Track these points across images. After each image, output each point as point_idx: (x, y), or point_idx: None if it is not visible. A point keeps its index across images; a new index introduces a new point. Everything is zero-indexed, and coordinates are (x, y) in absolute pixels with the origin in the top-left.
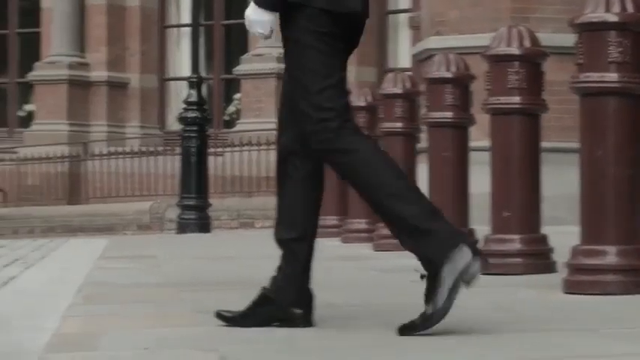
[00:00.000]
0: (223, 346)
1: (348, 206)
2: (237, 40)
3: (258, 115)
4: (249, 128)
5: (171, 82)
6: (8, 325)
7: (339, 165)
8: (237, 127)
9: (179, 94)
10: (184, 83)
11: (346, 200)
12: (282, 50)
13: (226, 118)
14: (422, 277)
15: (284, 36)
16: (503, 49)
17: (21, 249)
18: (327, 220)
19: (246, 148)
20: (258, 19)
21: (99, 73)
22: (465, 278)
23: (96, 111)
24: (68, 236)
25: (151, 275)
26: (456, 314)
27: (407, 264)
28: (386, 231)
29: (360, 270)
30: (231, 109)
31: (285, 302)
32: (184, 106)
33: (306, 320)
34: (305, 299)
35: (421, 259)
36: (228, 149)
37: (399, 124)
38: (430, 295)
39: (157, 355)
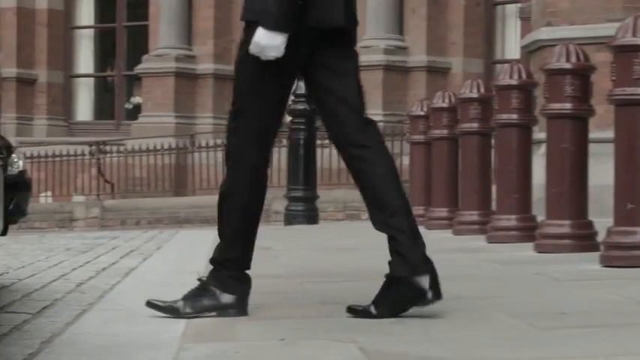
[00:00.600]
0: (359, 337)
1: (458, 198)
2: None
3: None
4: None
5: None
6: (142, 316)
7: None
8: None
9: None
10: None
11: (456, 192)
12: (389, 42)
13: None
14: (199, 279)
15: None
16: (629, 40)
17: (133, 240)
18: (438, 211)
19: None
20: (271, 43)
21: (205, 66)
22: (219, 313)
23: (202, 103)
24: (175, 228)
25: (270, 266)
26: (599, 306)
27: (525, 256)
28: (500, 223)
29: (480, 262)
30: None
31: (409, 274)
32: (293, 98)
33: (435, 293)
34: (426, 266)
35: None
36: None
37: (514, 116)
38: (190, 296)
39: (295, 346)
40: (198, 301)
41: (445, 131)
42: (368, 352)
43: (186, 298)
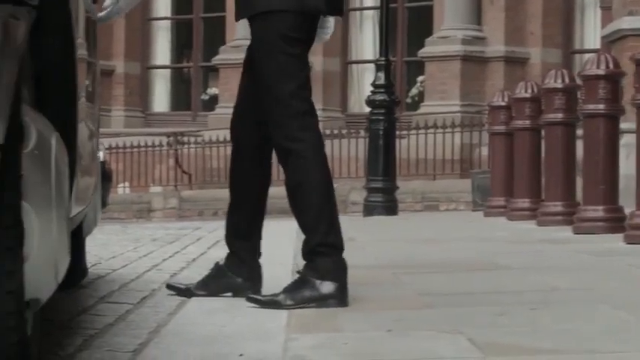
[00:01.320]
0: (465, 328)
1: (541, 189)
2: (420, 23)
3: (442, 97)
4: (434, 111)
5: (354, 65)
6: (241, 307)
7: None
8: (422, 110)
9: (361, 78)
10: (366, 66)
11: (539, 183)
12: (467, 32)
13: (408, 100)
14: (298, 271)
15: None
16: None
17: (216, 231)
18: (520, 202)
19: (431, 130)
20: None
21: None
22: (319, 304)
23: None
24: None
25: (359, 257)
26: None
27: (614, 247)
28: (586, 214)
29: (570, 253)
30: (414, 91)
31: None
32: (372, 89)
33: None
34: None
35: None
36: (413, 131)
37: (601, 106)
38: (290, 289)
39: (404, 338)
40: (299, 293)
41: (528, 122)
42: (478, 343)
43: (287, 290)
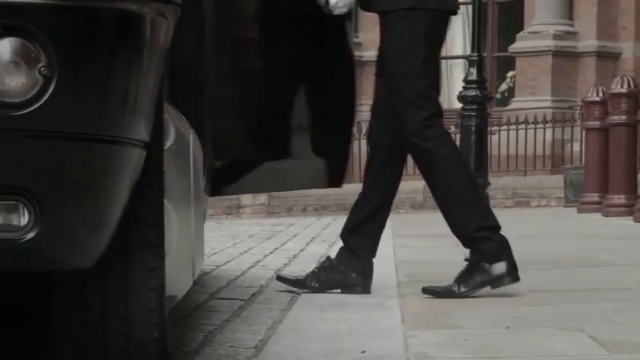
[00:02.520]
0: (585, 325)
1: (638, 185)
2: (511, 18)
3: (533, 92)
4: (524, 106)
5: (443, 61)
6: (352, 303)
7: None
8: (512, 105)
9: (450, 73)
10: (456, 62)
11: (635, 179)
12: (558, 27)
13: (498, 96)
14: (466, 259)
15: None
16: None
17: (310, 227)
18: (616, 198)
19: (522, 126)
20: None
21: None
22: (494, 285)
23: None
24: (342, 215)
25: (459, 254)
26: None
27: None
28: None
29: None
30: (503, 87)
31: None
32: (463, 84)
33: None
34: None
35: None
36: (503, 127)
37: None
38: (462, 276)
39: (523, 334)
40: (471, 279)
41: (624, 117)
42: (601, 341)
43: (459, 279)
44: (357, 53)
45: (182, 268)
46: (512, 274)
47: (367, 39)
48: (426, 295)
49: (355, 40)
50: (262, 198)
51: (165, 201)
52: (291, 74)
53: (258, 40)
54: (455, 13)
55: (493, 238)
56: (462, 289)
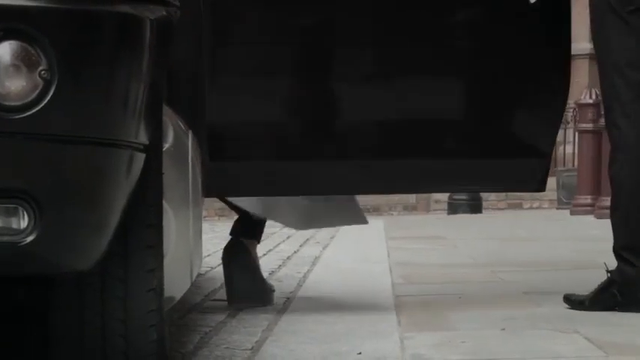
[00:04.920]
0: (580, 327)
1: None
2: None
3: None
4: None
5: None
6: (348, 305)
7: None
8: None
9: None
10: None
11: None
12: None
13: None
14: (607, 271)
15: None
16: None
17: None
18: (609, 201)
19: None
20: None
21: None
22: (622, 309)
23: None
24: None
25: (454, 256)
26: None
27: None
28: None
29: None
30: None
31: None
32: None
33: None
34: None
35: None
36: None
37: None
38: (597, 291)
39: (519, 337)
40: (603, 295)
41: None
42: (597, 342)
43: (594, 292)
44: None
45: (180, 269)
46: None
47: None
48: (421, 297)
49: None
50: None
51: (163, 202)
52: (290, 75)
53: (258, 41)
54: None
55: (636, 263)
56: (591, 304)
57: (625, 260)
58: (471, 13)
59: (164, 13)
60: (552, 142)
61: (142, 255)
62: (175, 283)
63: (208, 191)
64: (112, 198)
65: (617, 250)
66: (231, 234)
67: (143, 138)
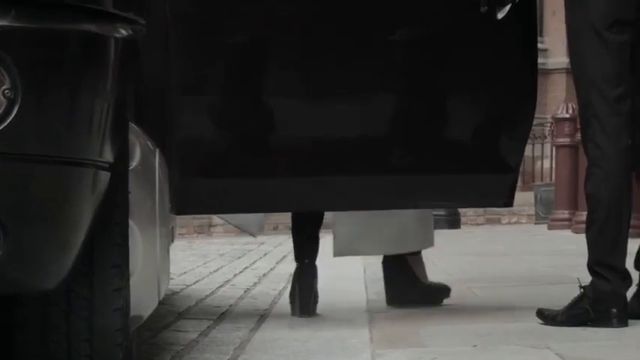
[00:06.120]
0: (552, 343)
1: None
2: None
3: None
4: None
5: None
6: (321, 322)
7: None
8: None
9: None
10: None
11: None
12: None
13: None
14: (581, 287)
15: None
16: None
17: (281, 245)
18: (585, 215)
19: None
20: None
21: None
22: (595, 324)
23: None
24: None
25: (431, 272)
26: None
27: None
28: None
29: None
30: None
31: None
32: None
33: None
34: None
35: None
36: None
37: None
38: (569, 306)
39: (491, 352)
40: (574, 310)
41: None
42: (567, 358)
43: (567, 307)
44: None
45: (148, 288)
46: (619, 319)
47: None
48: (395, 313)
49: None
50: None
51: (130, 221)
52: (259, 92)
53: (228, 56)
54: None
55: (610, 279)
56: (563, 318)
57: (599, 275)
58: (438, 29)
59: (129, 31)
60: (520, 157)
61: (107, 274)
62: (143, 302)
63: (180, 209)
64: (76, 217)
65: (591, 266)
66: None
67: (108, 156)
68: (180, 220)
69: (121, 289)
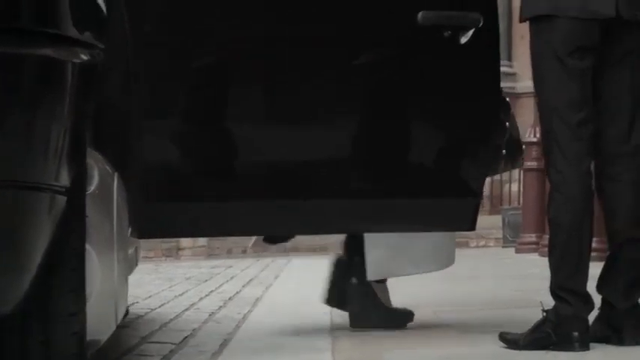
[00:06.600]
0: None
1: None
2: None
3: None
4: None
5: None
6: (285, 347)
7: None
8: None
9: None
10: None
11: None
12: None
13: None
14: (543, 311)
15: None
16: None
17: (249, 269)
18: None
19: None
20: None
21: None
22: (556, 348)
23: None
24: (282, 256)
25: (394, 296)
26: None
27: None
28: None
29: None
30: None
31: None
32: None
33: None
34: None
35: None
36: None
37: None
38: (532, 329)
39: None
40: (537, 335)
41: None
42: None
43: (530, 330)
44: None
45: (105, 312)
46: (580, 343)
47: None
48: (359, 337)
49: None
50: (202, 240)
51: (87, 245)
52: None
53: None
54: None
55: (572, 303)
56: (525, 343)
57: (561, 299)
58: (402, 53)
59: (87, 55)
60: (482, 182)
61: (64, 298)
62: (100, 326)
63: (142, 233)
64: (32, 241)
65: (553, 290)
66: None
67: (65, 181)
68: (148, 243)
69: (78, 314)
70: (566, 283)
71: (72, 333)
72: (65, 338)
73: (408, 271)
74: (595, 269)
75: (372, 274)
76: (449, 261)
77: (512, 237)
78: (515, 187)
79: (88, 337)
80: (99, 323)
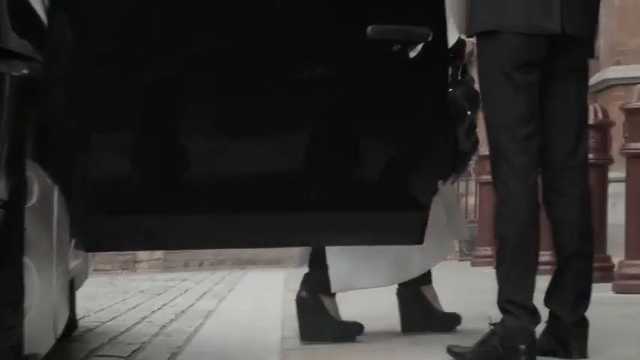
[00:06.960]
0: None
1: None
2: None
3: None
4: None
5: None
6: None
7: None
8: None
9: None
10: None
11: None
12: None
13: None
14: (491, 324)
15: None
16: None
17: (203, 282)
18: None
19: None
20: None
21: None
22: None
23: None
24: (238, 269)
25: (347, 309)
26: None
27: (603, 297)
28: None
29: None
30: None
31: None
32: None
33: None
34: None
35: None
36: None
37: (590, 155)
38: (480, 342)
39: None
40: (484, 347)
41: None
42: None
43: (478, 343)
44: None
45: (44, 326)
46: (527, 356)
47: None
48: (309, 351)
49: None
50: (159, 253)
51: (26, 259)
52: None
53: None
54: None
55: (519, 316)
56: (473, 356)
57: (508, 312)
58: (350, 67)
59: (26, 69)
60: (430, 195)
61: (1, 312)
62: (38, 340)
63: (88, 246)
64: None
65: (501, 303)
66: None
67: (2, 194)
68: (105, 256)
69: (15, 327)
70: (513, 296)
71: (9, 347)
72: (2, 352)
73: (371, 284)
74: (544, 282)
75: (335, 286)
76: (412, 273)
77: (468, 250)
78: (472, 200)
79: (27, 351)
80: (38, 337)
